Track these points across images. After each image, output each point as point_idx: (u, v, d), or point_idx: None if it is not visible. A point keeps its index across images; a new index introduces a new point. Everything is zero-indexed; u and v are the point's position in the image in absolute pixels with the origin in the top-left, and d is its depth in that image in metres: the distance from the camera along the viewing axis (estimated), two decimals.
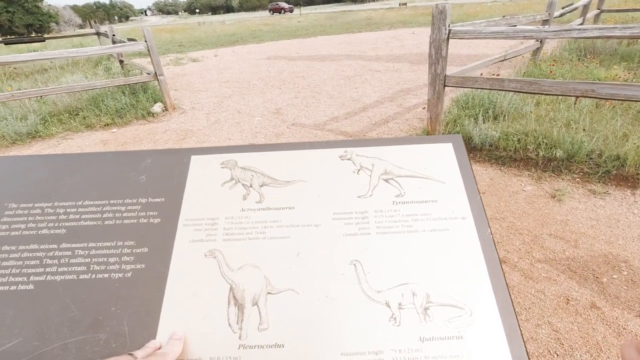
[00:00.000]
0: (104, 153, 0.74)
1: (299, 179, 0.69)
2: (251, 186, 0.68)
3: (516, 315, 0.57)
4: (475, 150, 3.84)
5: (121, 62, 8.09)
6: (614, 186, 3.28)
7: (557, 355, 1.95)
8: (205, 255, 0.61)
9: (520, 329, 0.56)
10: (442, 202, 0.66)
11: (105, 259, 0.61)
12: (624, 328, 2.06)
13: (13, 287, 0.59)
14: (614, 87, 2.94)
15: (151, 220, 0.65)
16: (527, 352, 0.54)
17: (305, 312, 0.56)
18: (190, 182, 0.69)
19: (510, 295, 0.58)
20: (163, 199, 0.67)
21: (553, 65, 5.57)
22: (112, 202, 0.67)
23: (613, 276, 2.43)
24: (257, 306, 0.57)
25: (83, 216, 0.65)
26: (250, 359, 0.53)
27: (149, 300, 0.58)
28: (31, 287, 0.59)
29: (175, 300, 0.58)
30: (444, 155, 0.72)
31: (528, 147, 3.52)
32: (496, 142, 3.63)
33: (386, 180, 0.69)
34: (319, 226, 0.64)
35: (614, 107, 4.10)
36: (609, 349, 1.95)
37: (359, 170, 0.70)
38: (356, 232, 0.63)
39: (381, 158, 0.71)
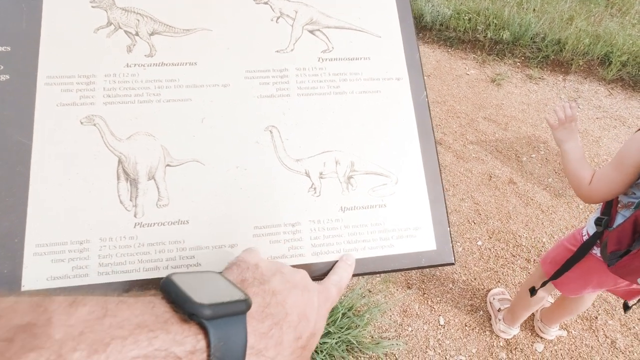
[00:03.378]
0: None
1: (201, 27, 0.54)
2: (137, 34, 0.52)
3: (442, 183, 0.54)
4: (425, 30, 3.66)
5: None
6: (549, 71, 3.39)
7: (475, 223, 2.22)
8: (82, 123, 0.49)
9: (444, 196, 0.54)
10: (375, 59, 0.57)
11: None
12: (532, 199, 2.36)
13: None
14: None
15: None
16: (448, 219, 0.53)
17: (212, 185, 0.49)
18: (47, 25, 0.51)
19: (438, 162, 0.55)
20: (9, 48, 0.49)
21: None
22: None
23: (532, 155, 2.68)
24: (155, 180, 0.48)
25: None
26: (149, 238, 0.46)
27: (9, 178, 0.46)
28: None
29: (47, 177, 0.47)
30: (383, 3, 0.59)
31: (478, 27, 3.40)
32: (447, 20, 3.45)
33: (311, 32, 0.56)
34: (228, 86, 0.52)
35: None
36: (516, 217, 2.25)
37: (278, 18, 0.56)
38: (273, 94, 0.53)
39: (307, 3, 0.57)
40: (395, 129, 0.54)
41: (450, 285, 1.91)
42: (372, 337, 1.63)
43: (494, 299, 1.82)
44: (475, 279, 1.95)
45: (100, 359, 0.22)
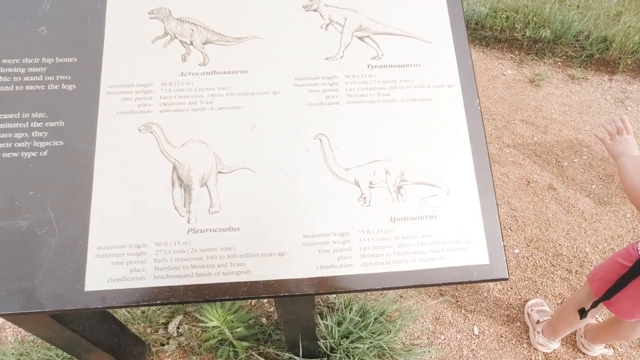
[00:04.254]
0: None
1: (252, 35, 0.54)
2: (191, 44, 0.54)
3: (495, 194, 0.52)
4: None
5: None
6: (593, 71, 3.22)
7: (511, 230, 2.13)
8: (140, 130, 0.50)
9: (498, 208, 0.52)
10: (426, 66, 0.55)
11: (10, 135, 0.49)
12: (574, 206, 2.24)
13: None
14: None
15: (64, 87, 0.51)
16: (501, 232, 0.51)
17: (262, 192, 0.49)
18: (109, 36, 0.53)
19: (491, 172, 0.53)
20: (76, 59, 0.52)
21: None
22: (5, 62, 0.51)
23: (574, 160, 2.55)
24: (207, 187, 0.49)
25: None
26: (201, 244, 0.47)
27: (74, 183, 0.48)
28: None
29: (108, 182, 0.49)
30: (433, 8, 0.57)
31: (516, 25, 3.28)
32: (483, 19, 3.34)
33: (361, 39, 0.56)
34: (278, 94, 0.52)
35: None
36: (556, 224, 2.14)
37: (327, 25, 0.56)
38: (323, 101, 0.53)
39: (356, 10, 0.57)
40: (447, 137, 0.53)
41: (485, 294, 1.85)
42: (404, 344, 1.61)
43: (532, 310, 1.75)
44: (511, 288, 1.87)
45: None
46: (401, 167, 0.51)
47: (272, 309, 1.60)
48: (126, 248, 0.47)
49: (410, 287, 0.49)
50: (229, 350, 1.34)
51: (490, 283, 1.87)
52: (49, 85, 0.51)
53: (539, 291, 1.91)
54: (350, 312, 1.41)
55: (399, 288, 0.48)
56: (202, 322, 1.30)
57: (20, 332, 1.45)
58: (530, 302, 1.86)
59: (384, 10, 0.57)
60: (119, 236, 0.47)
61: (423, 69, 0.55)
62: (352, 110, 0.53)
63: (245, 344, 1.36)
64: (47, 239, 0.46)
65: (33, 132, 0.49)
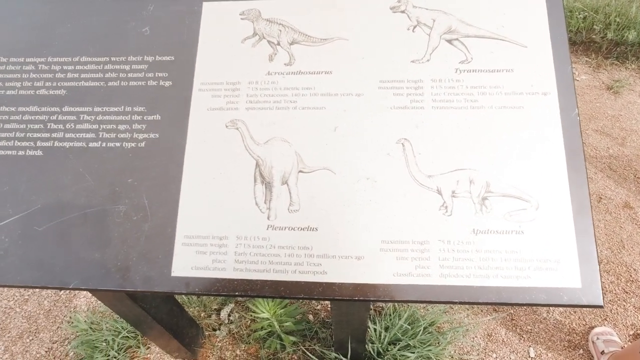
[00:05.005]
0: None
1: (338, 37, 0.55)
2: (279, 44, 0.55)
3: (592, 213, 0.48)
4: None
5: None
6: None
7: None
8: (227, 126, 0.52)
9: (594, 228, 0.48)
10: (520, 71, 0.52)
11: (115, 126, 0.53)
12: None
13: (21, 152, 0.54)
14: None
15: (161, 83, 0.55)
16: (597, 255, 0.47)
17: (342, 194, 0.49)
18: (203, 36, 0.56)
19: (588, 189, 0.49)
20: (173, 58, 0.55)
21: None
22: (113, 59, 0.56)
23: None
24: (287, 185, 0.50)
25: (83, 75, 0.56)
26: (280, 241, 0.48)
27: (166, 174, 0.51)
28: (40, 152, 0.53)
29: (196, 175, 0.51)
30: (531, 10, 0.54)
31: (595, 26, 3.01)
32: None
33: (449, 41, 0.54)
34: (362, 96, 0.52)
35: None
36: (631, 247, 1.95)
37: (415, 27, 0.54)
38: (407, 105, 0.52)
39: (446, 11, 0.55)
40: (539, 149, 0.49)
41: (545, 315, 1.72)
42: (452, 357, 1.55)
43: (597, 338, 1.60)
44: (575, 311, 1.73)
45: None
46: (487, 177, 0.49)
47: (319, 307, 1.62)
48: (209, 239, 0.49)
49: (492, 304, 0.46)
50: (277, 343, 1.37)
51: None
52: (148, 82, 0.55)
53: (608, 319, 1.75)
54: (399, 319, 1.38)
55: (479, 304, 0.46)
56: (253, 312, 1.34)
57: (91, 303, 1.59)
58: (596, 330, 1.71)
59: (475, 12, 0.54)
60: (203, 227, 0.50)
61: (516, 75, 0.52)
62: (437, 115, 0.51)
63: (292, 338, 1.38)
64: (141, 224, 0.50)
65: (133, 125, 0.53)
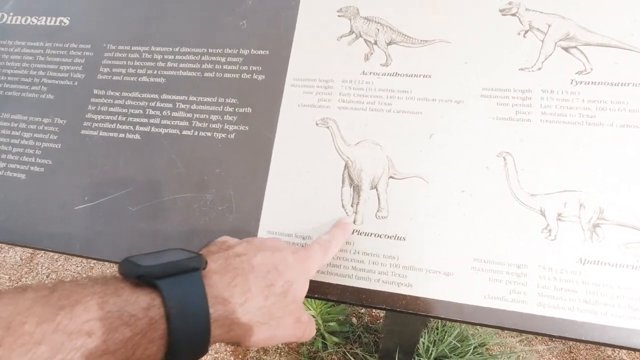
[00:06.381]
0: None
1: (439, 39, 0.52)
2: (376, 43, 0.53)
3: None
4: None
5: None
6: None
7: None
8: (317, 124, 0.52)
9: None
10: None
11: (207, 116, 0.55)
12: None
13: (122, 135, 0.57)
14: None
15: (255, 77, 0.55)
16: None
17: (434, 205, 0.46)
18: (299, 32, 0.55)
19: None
20: (267, 52, 0.55)
21: None
22: (210, 51, 0.57)
23: None
24: (377, 190, 0.48)
25: (181, 65, 0.58)
26: (364, 247, 0.47)
27: (253, 167, 0.52)
28: (137, 137, 0.56)
29: (282, 170, 0.51)
30: None
31: None
32: None
33: (566, 49, 0.49)
34: (462, 103, 0.49)
35: None
36: None
37: (526, 32, 0.50)
38: (511, 116, 0.48)
39: (564, 15, 0.50)
40: None
41: (609, 353, 1.57)
42: None
43: None
44: None
45: (50, 327, 0.22)
46: (601, 202, 0.44)
47: (363, 310, 1.59)
48: (292, 237, 0.49)
49: (598, 343, 0.42)
50: (319, 341, 1.36)
51: None
52: (242, 75, 0.55)
53: None
54: (447, 335, 1.32)
55: (582, 341, 0.41)
56: None
57: None
58: None
59: (599, 17, 0.49)
60: (286, 224, 0.49)
61: None
62: (545, 129, 0.47)
63: (335, 339, 1.37)
64: (226, 214, 0.51)
65: (225, 116, 0.54)
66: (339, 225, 0.47)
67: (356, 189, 0.49)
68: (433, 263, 0.45)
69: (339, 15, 0.55)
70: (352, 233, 0.48)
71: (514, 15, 0.51)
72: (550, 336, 0.42)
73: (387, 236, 0.47)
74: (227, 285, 0.31)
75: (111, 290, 0.26)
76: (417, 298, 0.45)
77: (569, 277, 0.43)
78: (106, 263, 1.74)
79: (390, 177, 0.48)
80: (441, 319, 0.44)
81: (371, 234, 0.47)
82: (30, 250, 1.86)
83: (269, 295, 0.33)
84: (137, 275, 0.28)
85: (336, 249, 0.44)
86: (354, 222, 0.48)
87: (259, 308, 0.32)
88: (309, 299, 1.28)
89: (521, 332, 0.43)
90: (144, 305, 0.26)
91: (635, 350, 0.42)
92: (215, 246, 0.38)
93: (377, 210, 0.48)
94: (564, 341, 1.62)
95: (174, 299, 0.27)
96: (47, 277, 1.78)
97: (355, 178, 0.49)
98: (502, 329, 0.43)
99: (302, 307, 0.38)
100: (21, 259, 1.85)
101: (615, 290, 0.42)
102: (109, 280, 0.28)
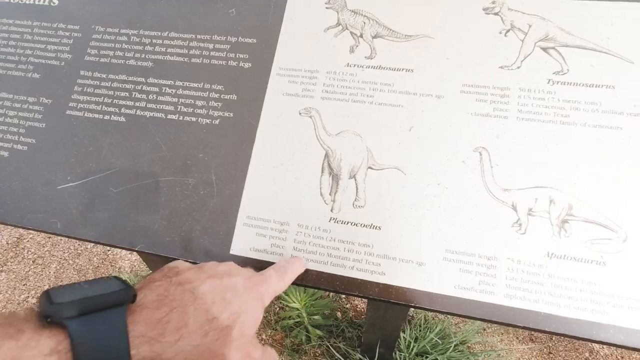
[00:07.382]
0: None
1: (423, 34, 0.53)
2: (361, 36, 0.54)
3: None
4: None
5: None
6: None
7: None
8: (300, 113, 0.53)
9: None
10: (622, 89, 0.48)
11: (192, 102, 0.55)
12: None
13: (107, 117, 0.57)
14: None
15: (241, 64, 0.56)
16: None
17: (410, 196, 0.47)
18: (287, 22, 0.56)
19: None
20: (255, 40, 0.56)
21: None
22: (199, 37, 0.58)
23: None
24: (355, 180, 0.49)
25: (169, 50, 0.58)
26: (340, 235, 0.48)
27: (236, 153, 0.52)
28: (123, 119, 0.56)
29: (264, 158, 0.52)
30: None
31: None
32: None
33: (544, 50, 0.50)
34: (442, 98, 0.50)
35: None
36: None
37: (507, 31, 0.51)
38: (489, 113, 0.49)
39: (544, 17, 0.51)
40: (635, 176, 0.45)
41: (587, 355, 1.61)
42: None
43: None
44: (622, 357, 1.60)
45: None
46: (570, 199, 0.45)
47: (348, 305, 1.61)
48: (271, 222, 0.50)
49: (559, 334, 0.43)
50: (303, 334, 1.38)
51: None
52: (229, 62, 0.56)
53: None
54: (429, 332, 1.34)
55: (545, 332, 0.43)
56: (283, 300, 1.36)
57: (134, 266, 1.69)
58: None
59: (578, 20, 0.50)
60: (266, 210, 0.50)
61: (617, 92, 0.47)
62: (521, 127, 0.48)
63: (319, 332, 1.38)
64: (207, 199, 0.51)
65: (210, 102, 0.55)
66: (297, 257, 0.47)
67: (335, 178, 0.50)
68: (406, 253, 0.46)
69: (327, 7, 0.56)
70: (329, 221, 0.49)
71: (496, 14, 0.52)
72: (514, 326, 0.43)
73: (363, 225, 0.48)
74: (157, 321, 0.28)
75: (10, 333, 0.23)
76: (389, 286, 0.46)
77: (536, 270, 0.44)
78: (93, 250, 1.73)
79: (369, 167, 0.49)
80: (412, 307, 0.45)
81: (348, 222, 0.48)
82: (17, 235, 1.85)
83: (209, 330, 0.30)
84: (44, 315, 0.25)
85: (293, 275, 0.43)
86: (332, 210, 0.49)
87: (195, 346, 0.29)
88: (293, 290, 1.29)
89: (488, 321, 0.45)
90: (45, 350, 0.23)
91: (595, 342, 0.43)
92: (160, 273, 0.34)
93: (355, 200, 0.49)
94: (543, 341, 1.65)
95: (86, 341, 0.24)
96: (32, 262, 1.77)
97: (334, 167, 0.50)
98: (470, 318, 0.44)
99: (254, 341, 0.34)
100: (7, 243, 1.83)
101: (579, 285, 0.43)
102: (14, 320, 0.25)
